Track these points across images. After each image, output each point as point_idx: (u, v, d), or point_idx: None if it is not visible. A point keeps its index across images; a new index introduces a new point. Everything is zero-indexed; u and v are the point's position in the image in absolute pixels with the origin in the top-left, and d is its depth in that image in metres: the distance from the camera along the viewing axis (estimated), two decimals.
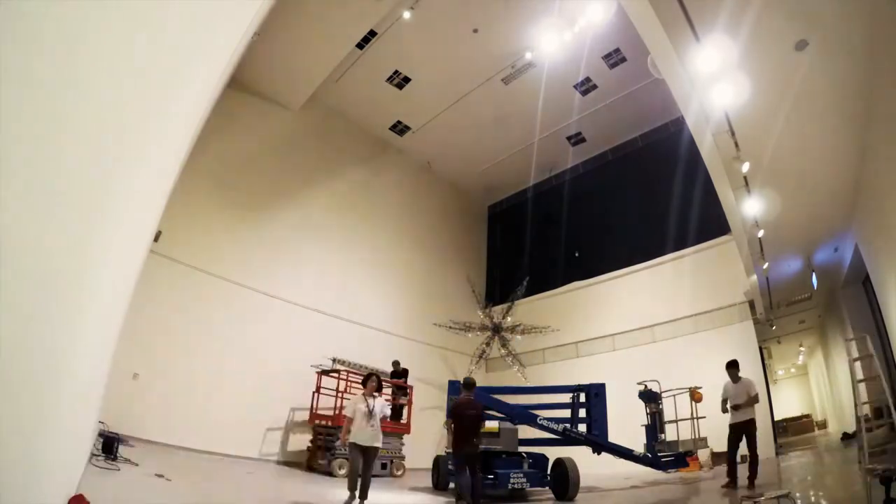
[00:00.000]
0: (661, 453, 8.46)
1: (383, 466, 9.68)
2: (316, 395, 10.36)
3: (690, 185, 12.19)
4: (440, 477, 8.28)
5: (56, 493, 2.44)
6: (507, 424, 7.75)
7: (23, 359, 1.47)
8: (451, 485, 7.59)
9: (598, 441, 7.99)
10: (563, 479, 7.07)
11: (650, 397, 8.96)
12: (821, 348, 19.02)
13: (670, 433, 9.00)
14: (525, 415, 8.15)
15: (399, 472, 10.02)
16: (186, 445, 8.96)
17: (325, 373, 10.54)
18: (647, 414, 8.91)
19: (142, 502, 4.75)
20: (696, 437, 8.75)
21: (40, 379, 1.65)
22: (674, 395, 9.48)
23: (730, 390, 7.36)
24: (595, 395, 8.08)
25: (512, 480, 6.93)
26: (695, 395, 8.90)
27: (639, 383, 9.21)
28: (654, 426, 8.72)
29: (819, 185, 8.03)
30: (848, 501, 5.60)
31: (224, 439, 9.49)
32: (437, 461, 8.53)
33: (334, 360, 10.84)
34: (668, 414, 9.29)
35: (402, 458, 10.30)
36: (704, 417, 8.99)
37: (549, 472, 7.58)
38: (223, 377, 10.02)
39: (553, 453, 7.80)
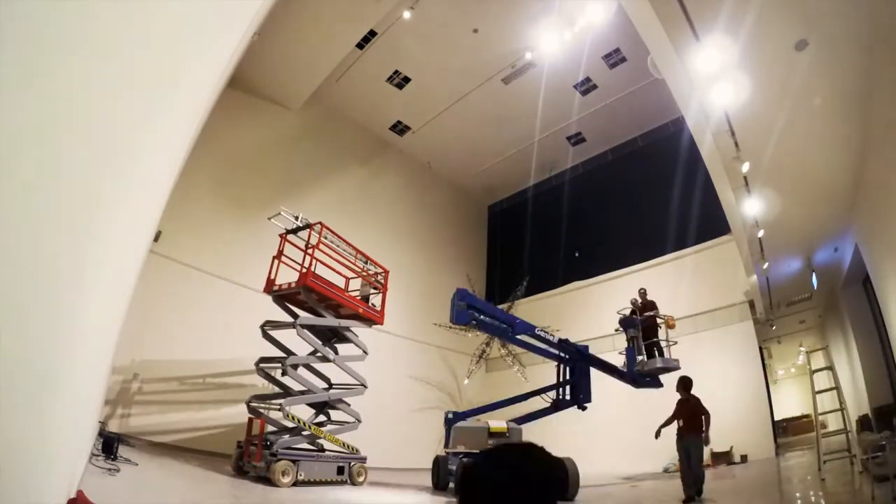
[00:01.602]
0: (641, 375, 9.25)
1: (339, 471, 7.95)
2: (277, 261, 8.29)
3: (690, 185, 12.19)
4: (440, 477, 8.16)
5: (56, 493, 2.44)
6: (514, 425, 7.80)
7: (22, 358, 1.46)
8: (452, 484, 7.52)
9: (587, 354, 8.88)
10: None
11: (629, 324, 9.72)
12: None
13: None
14: (524, 324, 8.42)
15: (361, 478, 8.19)
16: (187, 446, 8.96)
17: (293, 231, 8.56)
18: (627, 339, 9.72)
19: (142, 502, 4.75)
20: (670, 357, 9.58)
21: (40, 379, 1.65)
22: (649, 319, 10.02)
23: None
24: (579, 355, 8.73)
25: None
26: (668, 323, 9.90)
27: (618, 312, 9.98)
28: (633, 350, 9.55)
29: (819, 186, 8.02)
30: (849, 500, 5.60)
31: (225, 439, 9.48)
32: (438, 461, 8.38)
33: (297, 217, 8.69)
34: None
35: (363, 459, 8.39)
36: (676, 343, 9.85)
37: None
38: (223, 377, 10.02)
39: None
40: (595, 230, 15.73)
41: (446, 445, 8.38)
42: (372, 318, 9.21)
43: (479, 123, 15.19)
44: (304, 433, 7.90)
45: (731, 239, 11.09)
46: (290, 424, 7.89)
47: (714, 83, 5.63)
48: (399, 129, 15.60)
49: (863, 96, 6.06)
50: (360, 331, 9.17)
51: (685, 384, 6.98)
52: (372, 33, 12.06)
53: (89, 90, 1.57)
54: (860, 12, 5.04)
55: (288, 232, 8.71)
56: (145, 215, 3.04)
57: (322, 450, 8.32)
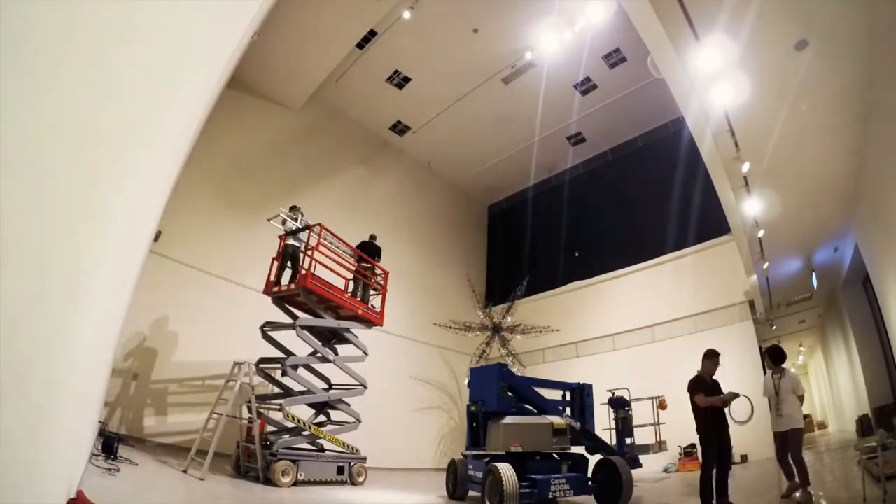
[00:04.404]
0: (629, 455, 8.43)
1: (339, 471, 7.93)
2: (276, 262, 8.53)
3: (690, 185, 12.19)
4: (457, 484, 7.05)
5: (56, 493, 2.44)
6: (572, 420, 7.01)
7: (22, 359, 1.46)
8: (471, 492, 6.81)
9: (601, 440, 7.82)
10: (613, 483, 6.25)
11: (619, 404, 9.22)
12: (821, 348, 19.02)
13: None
14: (556, 409, 7.27)
15: (361, 478, 8.22)
16: (187, 446, 8.95)
17: (293, 233, 8.66)
18: (615, 419, 9.10)
19: (142, 502, 4.74)
20: (658, 440, 9.35)
21: (40, 379, 1.65)
22: (652, 399, 9.95)
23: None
24: (587, 395, 7.92)
25: (553, 488, 5.95)
26: (661, 404, 9.68)
27: (608, 391, 9.42)
28: (623, 431, 8.90)
29: (819, 186, 8.02)
30: (847, 500, 5.60)
31: (225, 439, 9.47)
32: (454, 465, 7.31)
33: (295, 213, 8.81)
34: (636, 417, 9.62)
35: (363, 459, 8.45)
36: (665, 423, 9.62)
37: (590, 475, 6.72)
38: (223, 377, 10.00)
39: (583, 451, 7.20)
40: (595, 230, 15.72)
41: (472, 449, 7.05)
42: (371, 320, 9.19)
43: (479, 123, 15.18)
44: (304, 433, 7.90)
45: (731, 239, 11.08)
46: (290, 424, 7.88)
47: (714, 83, 5.63)
48: (399, 128, 15.60)
49: (862, 96, 6.06)
50: (359, 331, 9.16)
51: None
52: (372, 33, 12.05)
53: (89, 90, 1.57)
54: (860, 12, 5.04)
55: (288, 233, 8.71)
56: (145, 215, 3.04)
57: (322, 450, 8.32)
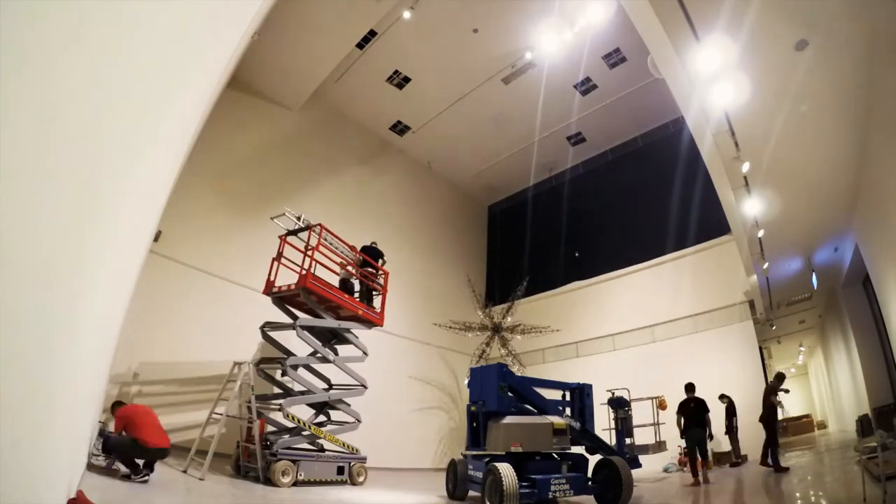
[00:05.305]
0: (629, 455, 8.41)
1: (339, 471, 7.90)
2: (276, 263, 8.42)
3: (690, 185, 12.19)
4: (457, 484, 6.99)
5: (56, 493, 2.44)
6: (571, 420, 7.06)
7: (22, 359, 1.46)
8: (471, 492, 6.83)
9: (601, 441, 7.84)
10: (613, 483, 6.31)
11: (619, 404, 9.21)
12: (821, 348, 19.03)
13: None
14: (556, 410, 7.25)
15: (361, 478, 8.18)
16: (187, 446, 8.94)
17: (294, 233, 8.63)
18: (615, 419, 9.08)
19: (142, 502, 4.74)
20: (658, 440, 9.37)
21: (40, 379, 1.65)
22: (652, 399, 9.96)
23: None
24: (587, 395, 7.91)
25: (553, 488, 5.97)
26: (660, 404, 9.75)
27: (608, 391, 9.43)
28: (622, 431, 8.89)
29: (819, 186, 8.03)
30: (847, 500, 5.60)
31: (225, 439, 9.47)
32: (454, 465, 7.23)
33: (300, 218, 8.71)
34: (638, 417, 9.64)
35: (364, 459, 8.40)
36: (664, 423, 9.65)
37: (590, 475, 6.77)
38: (223, 377, 9.99)
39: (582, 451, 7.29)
40: (595, 230, 15.72)
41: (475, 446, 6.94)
42: (371, 320, 9.19)
43: (479, 123, 15.18)
44: (304, 433, 7.90)
45: (731, 239, 11.08)
46: (290, 424, 7.88)
47: (714, 83, 5.62)
48: (399, 129, 15.60)
49: (862, 96, 6.06)
50: (360, 331, 9.16)
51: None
52: (372, 33, 12.05)
53: (89, 90, 1.57)
54: (860, 13, 5.05)
55: (288, 233, 8.73)
56: (145, 215, 3.04)
57: (322, 450, 8.32)
